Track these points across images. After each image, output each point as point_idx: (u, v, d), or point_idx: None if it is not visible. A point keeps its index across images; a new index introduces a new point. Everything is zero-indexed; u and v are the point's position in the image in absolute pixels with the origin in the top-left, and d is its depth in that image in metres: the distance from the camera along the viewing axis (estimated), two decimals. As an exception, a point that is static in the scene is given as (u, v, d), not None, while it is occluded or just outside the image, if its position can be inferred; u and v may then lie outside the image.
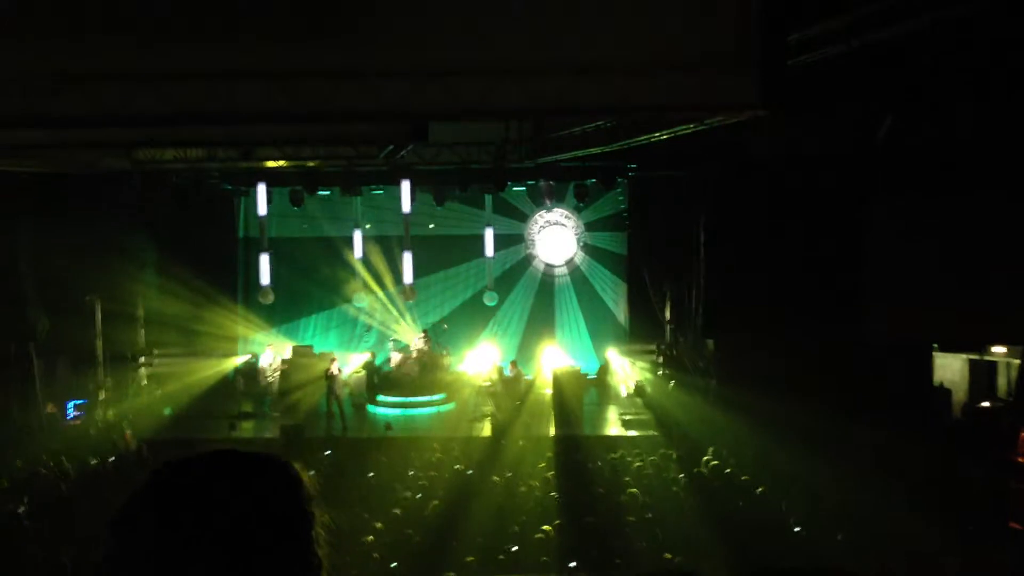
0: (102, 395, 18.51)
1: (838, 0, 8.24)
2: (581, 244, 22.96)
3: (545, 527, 10.20)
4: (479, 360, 21.26)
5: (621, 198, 21.98)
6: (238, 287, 22.55)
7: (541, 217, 22.91)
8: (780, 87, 8.00)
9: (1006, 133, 12.94)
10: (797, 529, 10.31)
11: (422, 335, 21.05)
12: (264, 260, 22.04)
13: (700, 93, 8.44)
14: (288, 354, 21.26)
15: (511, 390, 18.98)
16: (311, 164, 18.80)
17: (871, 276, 15.81)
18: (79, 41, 8.53)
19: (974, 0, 7.11)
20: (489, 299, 22.64)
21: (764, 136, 14.27)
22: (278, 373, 19.70)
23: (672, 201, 19.35)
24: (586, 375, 20.30)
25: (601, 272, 22.87)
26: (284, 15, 8.15)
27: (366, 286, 22.29)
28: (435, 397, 19.81)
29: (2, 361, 17.57)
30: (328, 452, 15.19)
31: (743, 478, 12.56)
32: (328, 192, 21.25)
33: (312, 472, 1.56)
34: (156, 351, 20.91)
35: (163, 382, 20.04)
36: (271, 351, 20.13)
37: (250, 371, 20.83)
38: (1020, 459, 13.21)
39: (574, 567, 9.23)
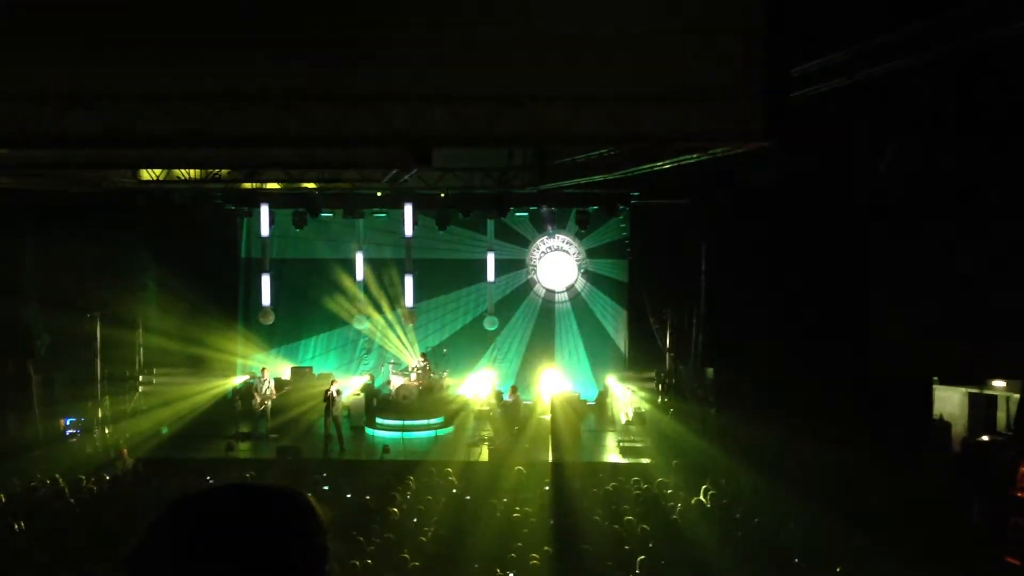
0: (100, 413, 18.47)
1: (841, 34, 8.33)
2: (582, 270, 23.00)
3: (539, 553, 10.15)
4: (478, 385, 21.24)
5: (623, 225, 22.07)
6: (239, 307, 22.58)
7: (543, 243, 22.98)
8: (783, 118, 8.07)
9: (1012, 164, 13.01)
10: (796, 560, 10.27)
11: (422, 358, 21.04)
12: (265, 281, 22.10)
13: (704, 124, 8.50)
14: (287, 375, 21.23)
15: (510, 415, 18.95)
16: (315, 186, 18.91)
17: (873, 306, 15.82)
18: (88, 60, 8.61)
19: (972, 35, 7.19)
20: (489, 324, 22.65)
21: (766, 165, 14.34)
22: (270, 401, 19.44)
23: (673, 229, 19.43)
24: (585, 401, 20.28)
25: (602, 299, 22.90)
26: (293, 39, 8.24)
27: (367, 308, 22.32)
28: (433, 421, 19.76)
29: (1, 377, 17.58)
30: (325, 475, 15.14)
31: (741, 508, 12.51)
32: (331, 214, 21.36)
33: (309, 494, 1.58)
34: (155, 370, 20.92)
35: (161, 401, 19.98)
36: (266, 373, 19.94)
37: (248, 392, 20.76)
38: (1019, 494, 13.16)
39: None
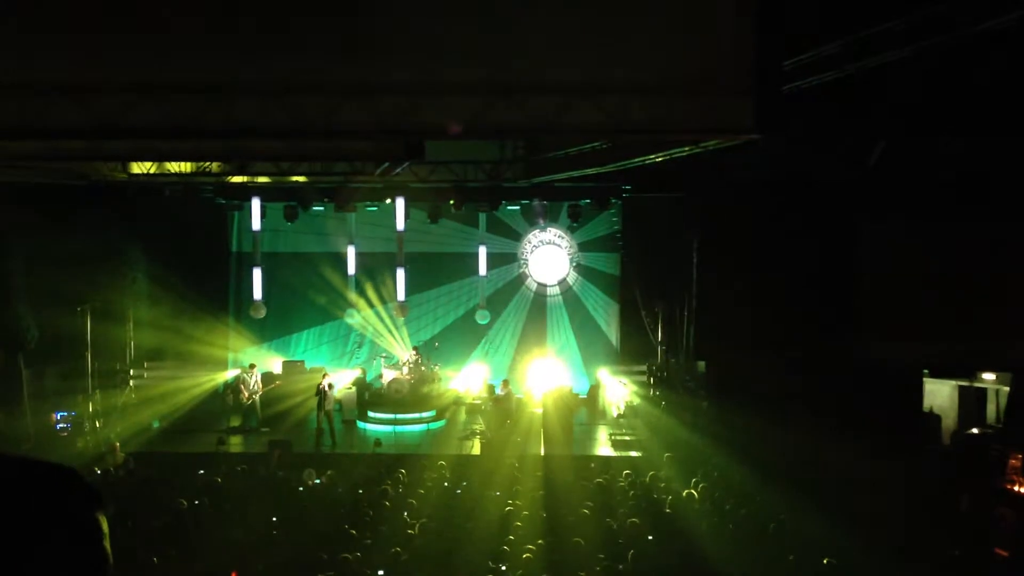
0: (91, 407, 18.40)
1: (832, 27, 8.33)
2: (574, 264, 22.98)
3: (532, 546, 10.17)
4: (470, 378, 21.23)
5: (615, 219, 22.07)
6: (230, 301, 22.51)
7: (535, 236, 22.95)
8: (775, 112, 8.08)
9: (998, 159, 13.06)
10: (786, 551, 10.30)
11: (413, 352, 21.03)
12: (257, 275, 22.03)
13: (696, 117, 8.51)
14: (279, 369, 21.18)
15: (501, 409, 18.94)
16: (306, 179, 18.86)
17: (863, 300, 15.89)
18: (76, 53, 8.57)
19: (967, 28, 7.20)
20: (481, 317, 22.63)
21: (758, 159, 14.36)
22: (257, 395, 19.40)
23: (665, 222, 19.46)
24: (577, 395, 20.29)
25: (593, 292, 22.90)
26: (285, 31, 8.20)
27: (359, 302, 22.28)
28: (425, 414, 19.77)
29: (-10, 371, 17.51)
30: (311, 470, 15.09)
31: (732, 501, 12.55)
32: (322, 208, 21.32)
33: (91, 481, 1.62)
34: (146, 363, 20.85)
35: (152, 395, 19.93)
36: (254, 369, 19.85)
37: (235, 386, 20.69)
38: (1008, 486, 13.24)
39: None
